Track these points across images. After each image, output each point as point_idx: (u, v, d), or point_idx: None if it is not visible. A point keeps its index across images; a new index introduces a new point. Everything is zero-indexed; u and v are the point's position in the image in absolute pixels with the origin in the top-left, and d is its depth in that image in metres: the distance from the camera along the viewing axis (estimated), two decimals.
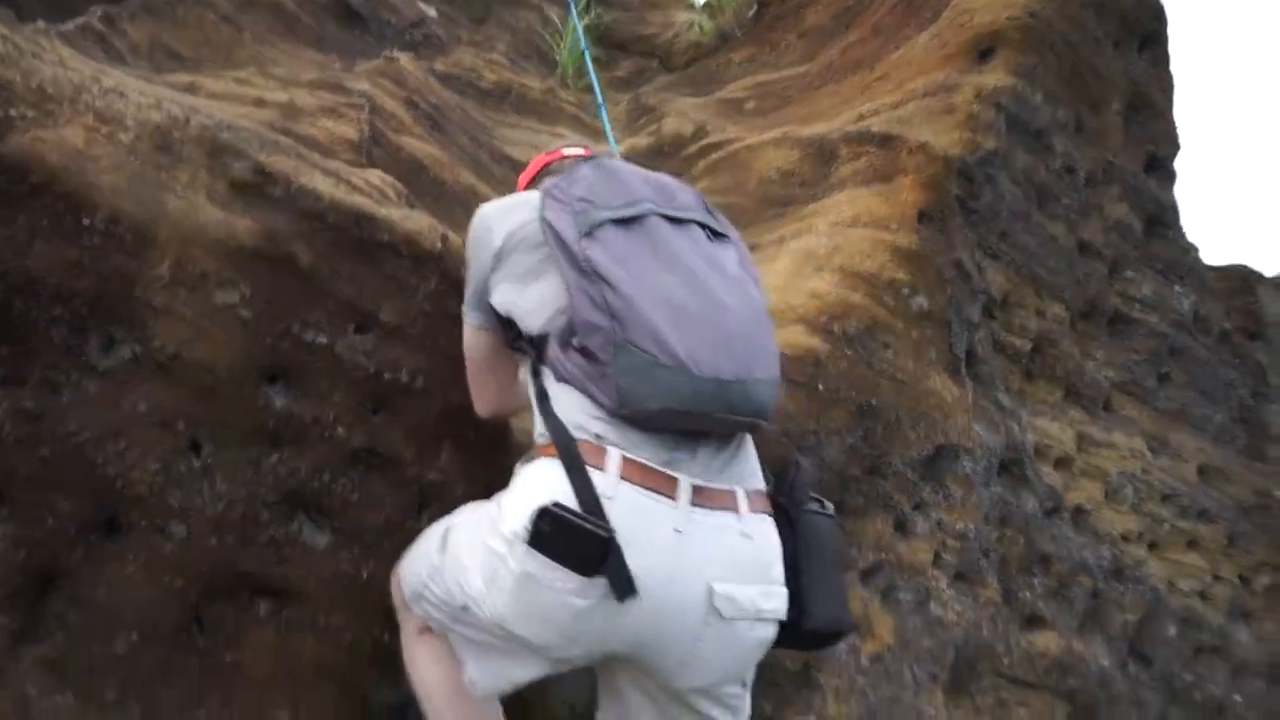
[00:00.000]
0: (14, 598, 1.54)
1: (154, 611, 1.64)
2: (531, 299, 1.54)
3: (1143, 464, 3.76)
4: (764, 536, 1.45)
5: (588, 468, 1.34)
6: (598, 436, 1.39)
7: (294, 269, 1.71)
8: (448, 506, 1.91)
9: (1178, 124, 3.98)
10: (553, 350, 1.50)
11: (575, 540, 1.28)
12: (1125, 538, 3.62)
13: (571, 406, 1.44)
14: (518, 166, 3.79)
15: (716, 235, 1.59)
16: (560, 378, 1.48)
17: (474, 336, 1.72)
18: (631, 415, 1.38)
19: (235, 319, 1.67)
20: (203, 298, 1.64)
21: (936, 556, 2.85)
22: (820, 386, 2.56)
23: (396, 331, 1.81)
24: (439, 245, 1.83)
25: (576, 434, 1.40)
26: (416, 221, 1.82)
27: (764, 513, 1.48)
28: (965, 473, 2.90)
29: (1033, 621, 3.17)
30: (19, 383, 1.53)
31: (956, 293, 2.91)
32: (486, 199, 3.20)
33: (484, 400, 1.80)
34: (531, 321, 1.54)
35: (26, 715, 1.53)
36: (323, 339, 1.74)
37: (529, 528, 1.29)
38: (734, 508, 1.42)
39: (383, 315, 1.79)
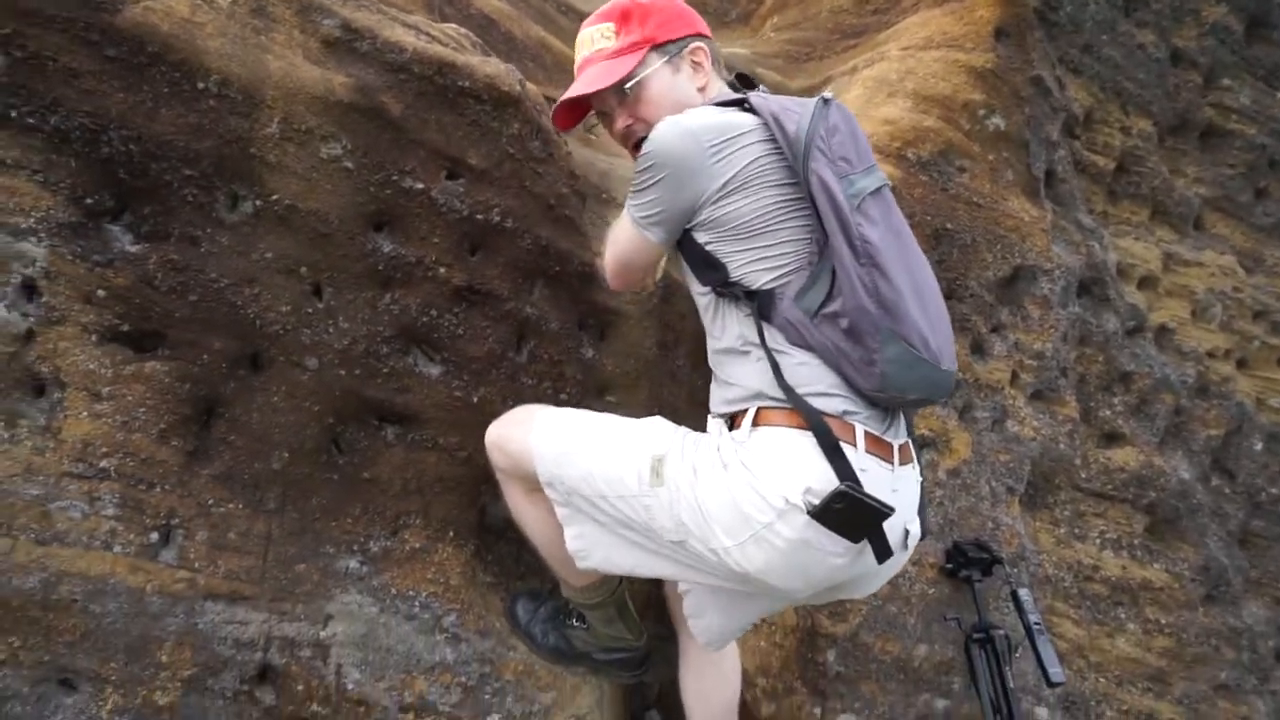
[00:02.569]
0: (185, 424, 1.79)
1: (299, 434, 1.88)
2: (759, 251, 1.52)
3: (1234, 281, 3.69)
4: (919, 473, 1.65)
5: (841, 444, 1.45)
6: (845, 413, 1.48)
7: (387, 120, 1.84)
8: (545, 339, 2.09)
9: None
10: (789, 312, 1.49)
11: (859, 516, 1.42)
12: (1212, 355, 3.60)
13: (808, 376, 1.49)
14: (586, 18, 3.77)
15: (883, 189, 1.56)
16: (799, 344, 1.50)
17: (647, 249, 1.65)
18: (875, 396, 1.48)
19: (340, 170, 1.82)
20: (310, 152, 1.79)
21: (1014, 376, 2.92)
22: None
23: (484, 175, 1.94)
24: (518, 89, 1.93)
25: (820, 404, 1.47)
26: (494, 66, 1.91)
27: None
28: (1043, 293, 2.93)
29: (1112, 438, 3.24)
30: (164, 238, 1.73)
31: (1035, 111, 2.86)
32: (556, 52, 3.24)
33: (625, 284, 1.85)
34: (755, 277, 1.53)
35: (208, 520, 1.81)
36: (419, 185, 1.88)
37: (813, 502, 1.41)
38: (913, 459, 1.60)
39: (471, 160, 1.92)
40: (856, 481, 1.42)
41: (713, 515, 1.49)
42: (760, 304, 1.52)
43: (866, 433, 1.48)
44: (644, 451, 1.60)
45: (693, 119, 1.53)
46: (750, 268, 1.53)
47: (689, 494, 1.52)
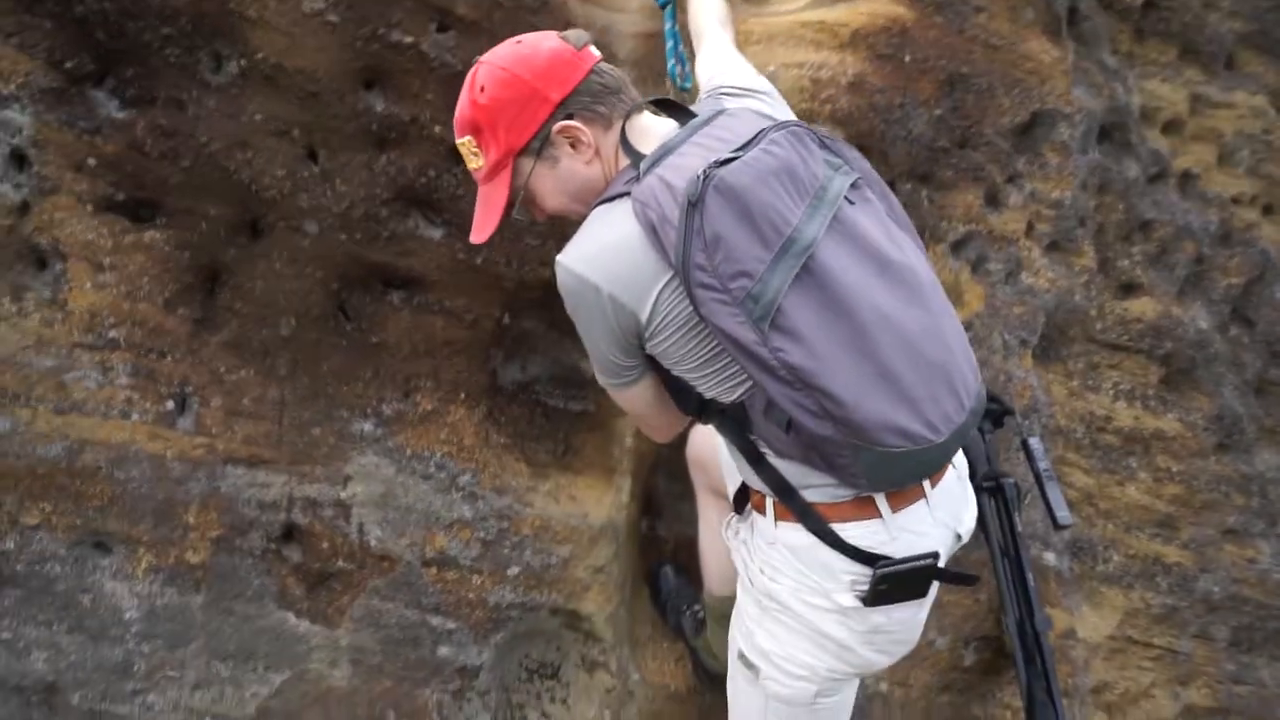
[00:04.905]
0: (190, 292, 1.80)
1: (304, 300, 1.89)
2: (711, 376, 1.38)
3: (1264, 123, 3.54)
4: (965, 464, 1.58)
5: (863, 521, 1.39)
6: (858, 494, 1.38)
7: None
8: None
9: None
10: (764, 428, 1.37)
11: (910, 579, 1.40)
12: (1237, 201, 3.50)
13: (804, 477, 1.40)
14: None
15: (854, 187, 1.33)
16: (784, 454, 1.39)
17: (632, 392, 1.47)
18: None
19: (325, 25, 1.75)
20: (291, 6, 1.72)
21: (1030, 227, 2.86)
22: (907, 58, 2.49)
23: (475, 26, 1.86)
24: None
25: (825, 497, 1.39)
26: None
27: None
28: (1063, 139, 2.83)
29: (1129, 288, 3.19)
30: (150, 102, 1.69)
31: None
32: None
33: (667, 431, 1.61)
34: (723, 395, 1.40)
35: (221, 388, 1.83)
36: (408, 39, 1.81)
37: (863, 592, 1.38)
38: (953, 463, 1.52)
39: (460, 10, 1.84)
40: (884, 557, 1.38)
41: (799, 653, 1.48)
42: (735, 418, 1.41)
43: (889, 495, 1.40)
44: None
45: (588, 260, 1.31)
46: (713, 391, 1.40)
47: (781, 646, 1.50)
